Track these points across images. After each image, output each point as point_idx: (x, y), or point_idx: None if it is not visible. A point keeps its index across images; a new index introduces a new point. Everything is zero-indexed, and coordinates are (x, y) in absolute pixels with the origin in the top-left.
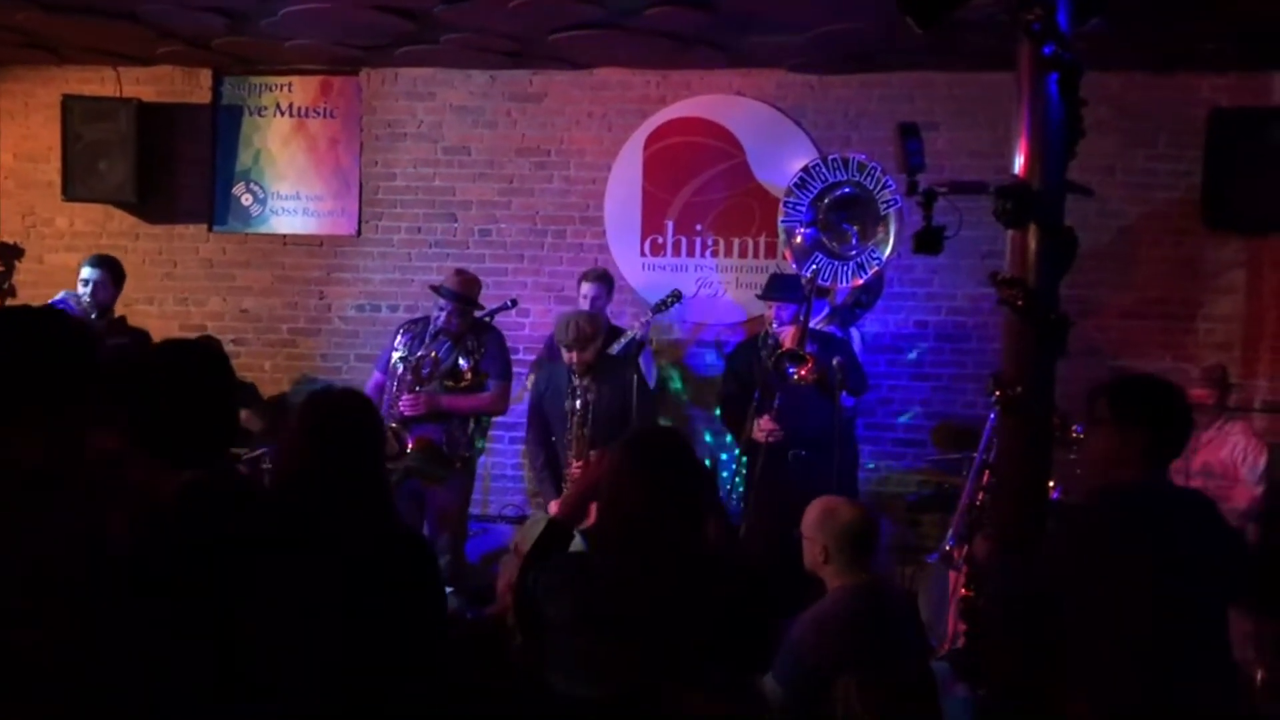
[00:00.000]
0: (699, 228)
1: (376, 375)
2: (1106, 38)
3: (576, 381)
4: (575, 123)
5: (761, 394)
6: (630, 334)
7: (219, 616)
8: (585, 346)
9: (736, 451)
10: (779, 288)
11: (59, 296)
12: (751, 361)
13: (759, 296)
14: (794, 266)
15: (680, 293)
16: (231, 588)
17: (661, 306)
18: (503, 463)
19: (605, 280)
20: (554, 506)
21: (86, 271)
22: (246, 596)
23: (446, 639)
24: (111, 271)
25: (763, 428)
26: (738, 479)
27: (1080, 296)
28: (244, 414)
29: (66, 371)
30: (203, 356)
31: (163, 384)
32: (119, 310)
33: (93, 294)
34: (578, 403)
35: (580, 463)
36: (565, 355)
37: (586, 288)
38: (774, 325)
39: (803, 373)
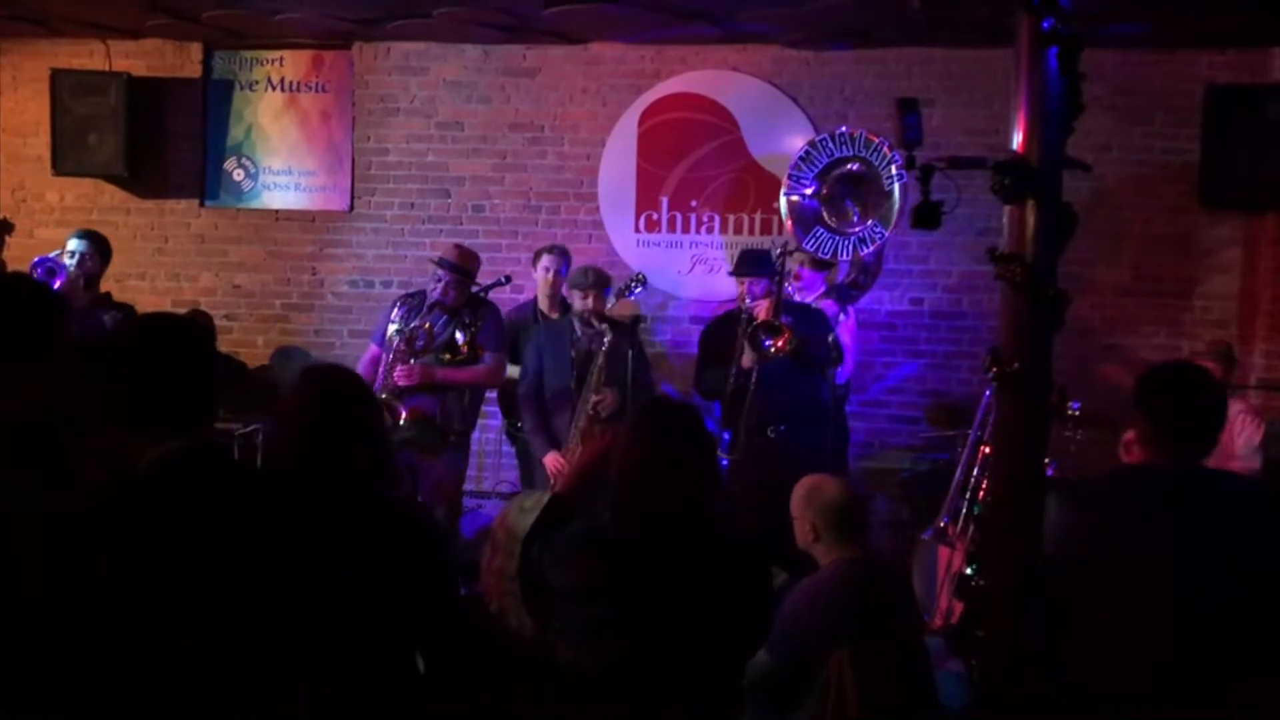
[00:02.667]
0: (694, 204)
1: (372, 348)
2: (1105, 13)
3: (581, 329)
4: (569, 98)
5: (736, 370)
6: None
7: (181, 588)
8: (602, 289)
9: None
10: (749, 263)
11: (52, 255)
12: (727, 337)
13: (730, 274)
14: (798, 238)
15: (644, 276)
16: (198, 559)
17: (622, 292)
18: (496, 439)
19: (566, 255)
20: (549, 461)
21: (73, 243)
22: (213, 568)
23: (458, 615)
24: (97, 244)
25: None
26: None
27: (1075, 273)
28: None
29: (33, 335)
30: (181, 330)
31: (138, 356)
32: (109, 285)
33: (78, 265)
34: (579, 346)
35: (600, 395)
36: (581, 301)
37: (547, 260)
38: (748, 301)
39: (779, 344)
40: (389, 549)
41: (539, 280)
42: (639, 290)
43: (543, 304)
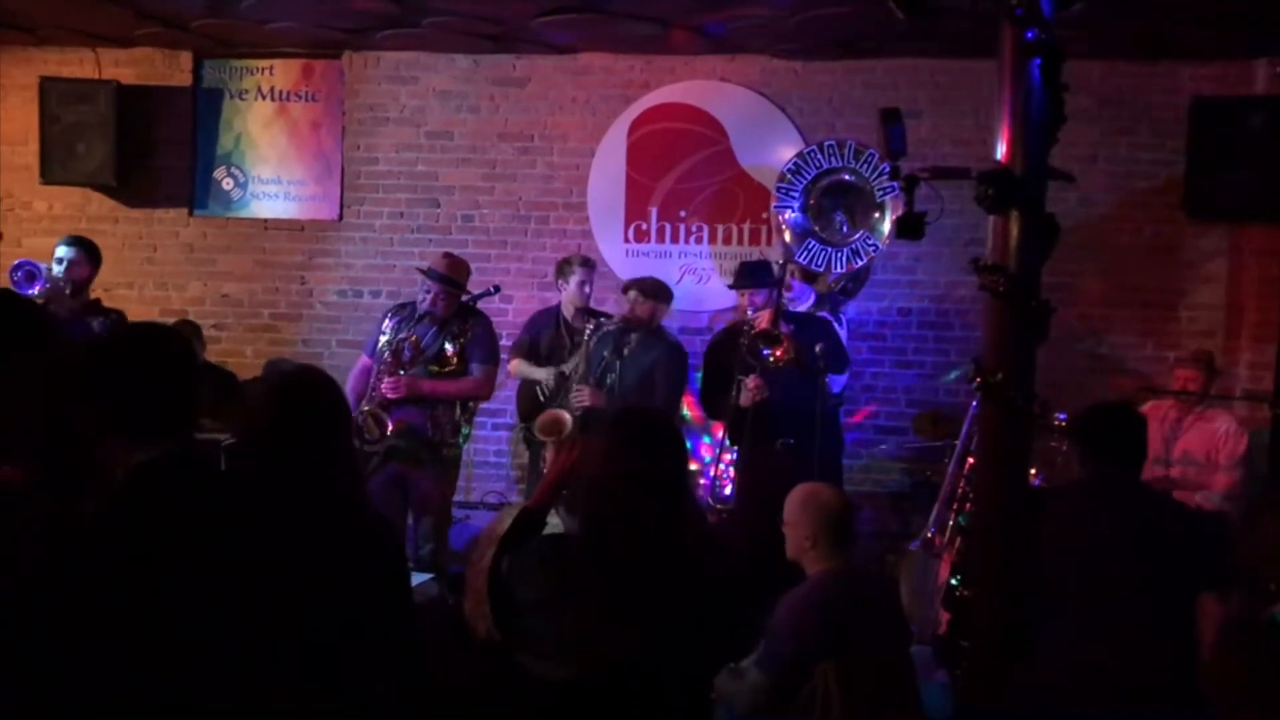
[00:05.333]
0: (683, 214)
1: (364, 359)
2: (1090, 25)
3: (620, 334)
4: (559, 108)
5: (735, 402)
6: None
7: (167, 597)
8: (647, 299)
9: (724, 440)
10: (747, 275)
11: (26, 260)
12: (730, 351)
13: (730, 286)
14: (783, 251)
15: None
16: (181, 566)
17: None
18: (485, 449)
19: (593, 266)
20: None
21: (61, 250)
22: (196, 576)
23: (410, 627)
24: (87, 250)
25: (749, 386)
26: (720, 467)
27: (1061, 284)
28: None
29: (11, 348)
30: (159, 337)
31: (117, 364)
32: (96, 294)
33: (66, 271)
34: (607, 347)
35: (580, 389)
36: (634, 306)
37: (581, 273)
38: (750, 313)
39: (778, 353)
40: (351, 555)
41: (572, 291)
42: None
43: (568, 312)
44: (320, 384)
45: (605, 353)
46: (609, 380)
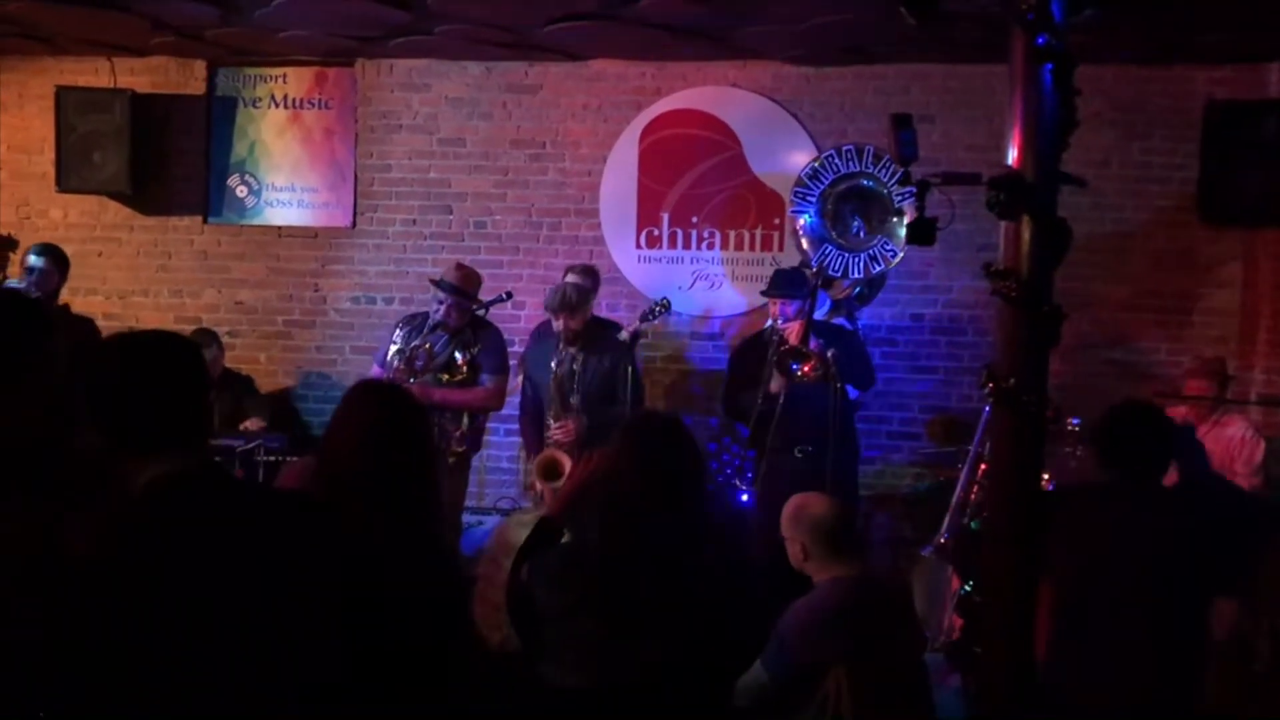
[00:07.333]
0: (695, 220)
1: (375, 369)
2: (1102, 30)
3: (563, 350)
4: (571, 115)
5: (765, 394)
6: (628, 329)
7: (183, 611)
8: (574, 312)
9: (738, 447)
10: (782, 283)
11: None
12: (757, 358)
13: (763, 293)
14: (807, 255)
15: (669, 301)
16: (198, 587)
17: (649, 316)
18: (498, 455)
19: (589, 274)
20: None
21: (32, 259)
22: (214, 598)
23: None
24: (55, 259)
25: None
26: (738, 474)
27: (1075, 289)
28: (251, 421)
29: (19, 349)
30: (171, 346)
31: (128, 374)
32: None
33: (38, 282)
34: (561, 368)
35: (560, 423)
36: (555, 323)
37: (571, 278)
38: (779, 321)
39: (805, 369)
40: (410, 579)
41: None
42: (663, 315)
43: None
44: (414, 403)
45: (564, 373)
46: (573, 400)
